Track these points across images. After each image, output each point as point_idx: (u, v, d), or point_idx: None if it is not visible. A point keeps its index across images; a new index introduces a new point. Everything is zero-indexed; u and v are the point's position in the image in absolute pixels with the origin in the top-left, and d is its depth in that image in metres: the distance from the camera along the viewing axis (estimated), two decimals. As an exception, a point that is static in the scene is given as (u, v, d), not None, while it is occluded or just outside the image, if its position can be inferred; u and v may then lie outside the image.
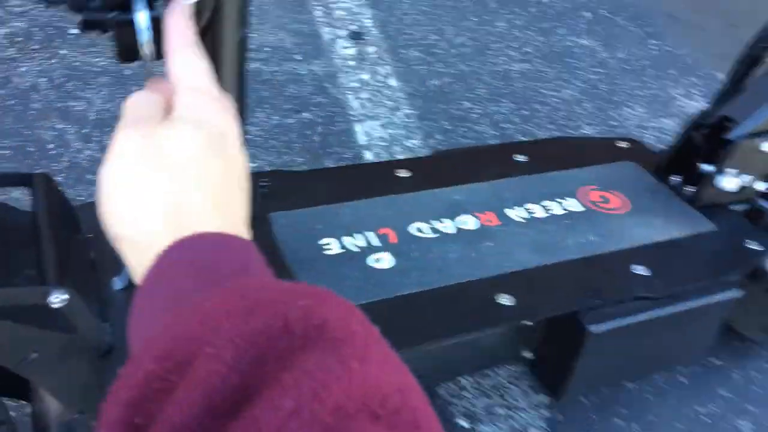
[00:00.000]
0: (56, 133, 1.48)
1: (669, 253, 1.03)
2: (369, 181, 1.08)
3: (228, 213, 0.39)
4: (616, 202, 1.12)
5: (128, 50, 0.55)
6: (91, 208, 0.89)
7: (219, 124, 0.41)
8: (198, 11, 0.56)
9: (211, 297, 0.29)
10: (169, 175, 0.37)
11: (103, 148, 1.45)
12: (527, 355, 0.98)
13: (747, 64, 1.19)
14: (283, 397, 0.25)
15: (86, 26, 0.55)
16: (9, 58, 1.62)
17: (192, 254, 0.34)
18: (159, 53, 0.57)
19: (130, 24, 0.54)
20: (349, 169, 1.15)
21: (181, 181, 0.37)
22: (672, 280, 0.98)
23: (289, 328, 0.27)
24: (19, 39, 1.67)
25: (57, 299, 0.62)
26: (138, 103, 0.43)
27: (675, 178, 1.20)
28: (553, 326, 0.93)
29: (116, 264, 0.81)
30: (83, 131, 1.50)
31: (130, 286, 0.78)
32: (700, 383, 1.30)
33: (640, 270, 0.98)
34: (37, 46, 1.68)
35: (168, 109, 0.42)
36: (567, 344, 0.91)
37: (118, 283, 0.78)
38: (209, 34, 0.64)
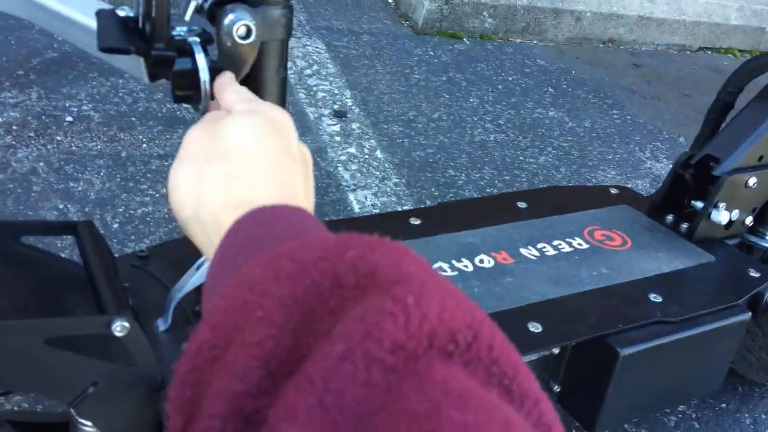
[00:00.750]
0: (58, 213, 1.49)
1: (678, 282, 1.08)
2: (383, 230, 1.11)
3: (285, 183, 0.40)
4: (618, 240, 1.18)
5: (185, 91, 0.59)
6: (124, 260, 0.90)
7: (273, 114, 0.44)
8: (247, 53, 0.61)
9: (261, 263, 0.29)
10: (226, 157, 0.40)
11: (105, 225, 1.47)
12: (555, 387, 1.00)
13: (720, 110, 1.29)
14: (333, 343, 0.23)
15: (156, 63, 0.60)
16: (6, 146, 1.64)
17: (250, 228, 0.35)
18: (211, 94, 0.61)
19: (188, 67, 0.58)
20: (362, 220, 1.19)
21: (238, 160, 0.40)
22: (685, 306, 1.02)
23: (340, 282, 0.26)
24: (15, 128, 1.70)
25: (119, 328, 0.63)
26: (208, 116, 0.48)
27: (669, 217, 1.26)
28: (580, 354, 0.95)
29: (155, 309, 0.82)
30: (86, 210, 1.52)
31: (172, 328, 0.79)
32: (710, 427, 1.32)
33: (655, 297, 1.02)
34: (32, 134, 1.71)
35: None
36: (597, 369, 0.93)
37: (161, 325, 0.79)
38: (255, 75, 0.69)
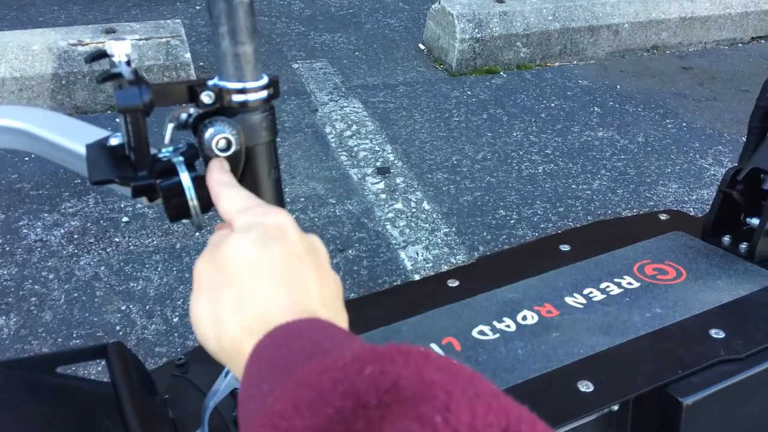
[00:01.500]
0: (121, 315, 1.55)
1: (741, 312, 1.00)
2: (422, 296, 1.09)
3: (295, 288, 0.39)
4: (672, 272, 1.11)
5: (177, 210, 0.61)
6: (164, 370, 0.92)
7: (272, 220, 0.44)
8: (234, 161, 0.61)
9: (281, 396, 0.28)
10: (233, 281, 0.40)
11: (166, 321, 1.51)
12: (622, 444, 0.93)
13: (762, 117, 1.22)
14: None
15: (136, 194, 0.61)
16: (69, 255, 1.73)
17: (271, 351, 0.35)
18: (204, 207, 0.62)
19: (176, 187, 0.60)
20: (400, 289, 1.17)
21: (243, 281, 0.40)
22: (752, 338, 0.94)
23: (362, 402, 0.26)
24: (77, 236, 1.79)
25: (146, 459, 0.63)
26: (212, 239, 0.48)
27: (725, 238, 1.18)
28: (644, 407, 0.89)
29: (195, 419, 0.82)
30: (146, 308, 1.57)
31: (211, 438, 0.79)
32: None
33: (716, 333, 0.95)
34: (93, 240, 1.80)
35: None
36: (663, 423, 0.87)
37: (199, 437, 0.79)
38: (247, 180, 0.69)
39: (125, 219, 1.89)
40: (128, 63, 0.58)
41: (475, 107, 2.66)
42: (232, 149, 0.61)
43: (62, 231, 1.83)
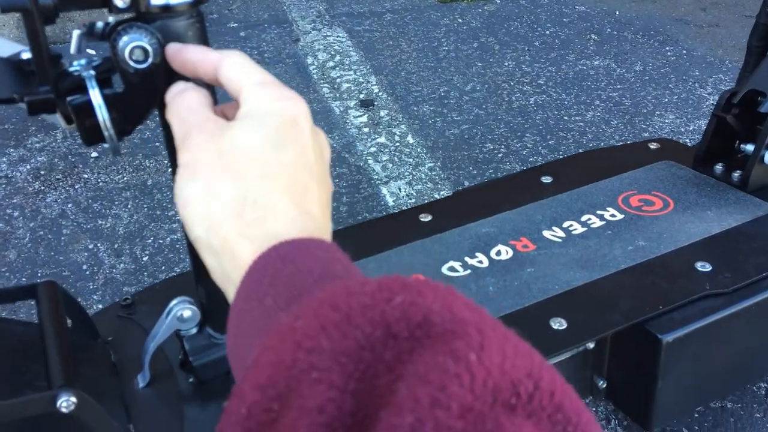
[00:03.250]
0: (89, 253, 1.49)
1: (730, 244, 0.94)
2: (392, 231, 1.02)
3: (302, 202, 0.37)
4: (659, 203, 1.04)
5: (92, 131, 0.53)
6: (109, 312, 0.86)
7: (287, 112, 0.39)
8: (153, 78, 0.53)
9: (302, 312, 0.27)
10: (237, 175, 0.37)
11: (135, 260, 1.45)
12: (600, 383, 0.89)
13: (762, 35, 1.12)
14: (400, 414, 0.22)
15: (33, 110, 0.54)
16: (35, 192, 1.66)
17: (276, 265, 0.33)
18: (121, 130, 0.55)
19: (88, 106, 0.52)
20: (369, 225, 1.10)
21: (250, 180, 0.36)
22: (740, 271, 0.88)
23: (392, 332, 0.25)
24: (43, 172, 1.71)
25: (65, 403, 0.58)
26: (184, 108, 0.42)
27: (718, 167, 1.11)
28: (622, 343, 0.84)
29: (138, 363, 0.77)
30: (115, 246, 1.51)
31: (152, 382, 0.74)
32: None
33: (702, 266, 0.89)
34: (60, 176, 1.72)
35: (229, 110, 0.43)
36: (642, 360, 0.81)
37: (140, 381, 0.74)
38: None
39: (94, 154, 1.81)
40: None
41: (465, 35, 2.54)
42: (149, 60, 0.53)
43: (28, 167, 1.75)
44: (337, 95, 2.16)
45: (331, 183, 0.42)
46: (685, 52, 2.46)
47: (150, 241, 1.53)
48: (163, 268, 1.46)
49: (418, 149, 1.91)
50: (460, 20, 2.65)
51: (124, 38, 0.51)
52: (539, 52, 2.45)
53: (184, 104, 0.43)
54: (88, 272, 1.44)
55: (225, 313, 0.36)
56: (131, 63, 0.52)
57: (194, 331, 0.74)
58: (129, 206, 1.63)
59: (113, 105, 0.54)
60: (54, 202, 1.63)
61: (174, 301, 0.73)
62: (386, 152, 1.90)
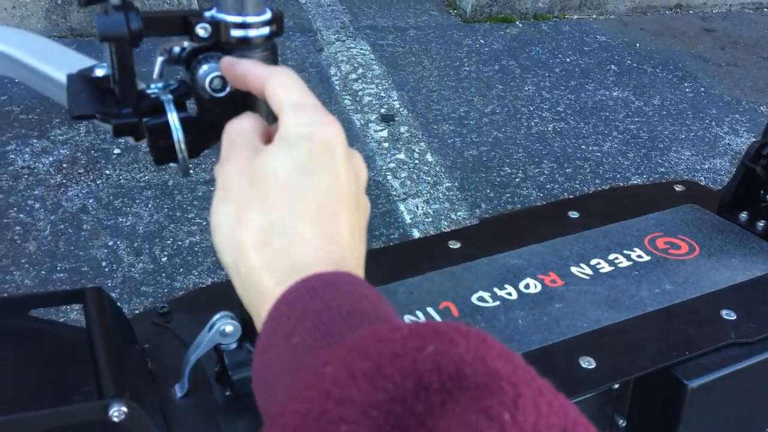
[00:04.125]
0: (108, 250, 1.50)
1: (754, 294, 0.95)
2: (421, 256, 1.04)
3: (330, 228, 0.37)
4: (685, 247, 1.06)
5: (164, 152, 0.55)
6: (145, 318, 0.87)
7: (319, 136, 0.39)
8: (229, 104, 0.55)
9: (330, 359, 0.27)
10: (266, 203, 0.37)
11: (154, 260, 1.46)
12: (620, 422, 0.90)
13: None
14: None
15: (118, 132, 0.55)
16: (57, 185, 1.67)
17: (303, 301, 0.33)
18: (192, 152, 0.56)
19: (163, 128, 0.54)
20: (398, 248, 1.12)
21: (278, 208, 0.36)
22: (764, 322, 0.89)
23: (423, 383, 0.24)
24: (66, 165, 1.73)
25: (117, 413, 0.59)
26: (234, 132, 0.43)
27: (742, 215, 1.13)
28: (646, 385, 0.85)
29: (175, 372, 0.78)
30: (134, 245, 1.52)
31: (190, 393, 0.75)
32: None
33: (727, 314, 0.91)
34: (82, 170, 1.73)
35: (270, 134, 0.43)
36: (665, 404, 0.83)
37: (178, 391, 0.75)
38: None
39: (117, 151, 1.82)
40: None
41: (487, 57, 2.56)
42: (228, 90, 0.55)
43: (51, 159, 1.76)
44: (359, 108, 2.17)
45: (367, 204, 0.41)
46: (703, 89, 2.49)
47: (169, 242, 1.54)
48: (181, 270, 1.48)
49: (437, 168, 1.93)
50: (482, 41, 2.68)
51: (204, 67, 0.53)
52: (559, 78, 2.47)
53: (235, 127, 0.44)
54: (107, 269, 1.45)
55: None
56: (209, 91, 0.54)
57: (234, 345, 0.75)
58: (149, 205, 1.64)
59: (186, 128, 0.55)
60: (75, 196, 1.64)
61: (217, 315, 0.74)
62: (405, 169, 1.92)
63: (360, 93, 2.25)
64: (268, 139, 0.44)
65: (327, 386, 0.25)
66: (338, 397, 0.25)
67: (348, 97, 2.23)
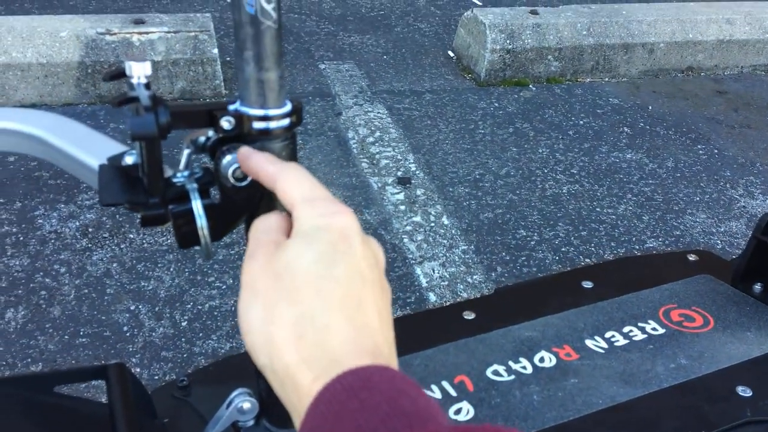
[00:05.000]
0: (130, 315, 1.53)
1: (770, 368, 0.95)
2: (436, 327, 1.05)
3: (358, 315, 0.37)
4: (699, 320, 1.06)
5: (187, 237, 0.58)
6: (165, 392, 0.89)
7: (335, 226, 0.40)
8: (251, 192, 0.58)
9: None
10: (292, 296, 0.37)
11: (174, 324, 1.49)
12: (636, 501, 0.89)
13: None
14: None
15: (146, 222, 0.58)
16: (82, 249, 1.72)
17: (340, 400, 0.32)
18: (214, 236, 0.59)
19: (187, 214, 0.57)
20: (413, 318, 1.13)
21: (305, 300, 0.37)
22: (781, 399, 0.89)
23: None
24: (91, 230, 1.77)
25: (137, 497, 0.60)
26: (259, 230, 0.44)
27: (756, 287, 1.13)
28: (660, 466, 0.85)
29: (194, 447, 0.79)
30: (156, 309, 1.55)
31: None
32: None
33: (743, 391, 0.91)
34: (107, 235, 1.78)
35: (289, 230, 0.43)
36: (680, 485, 0.82)
37: (197, 468, 0.76)
38: (263, 212, 0.66)
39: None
40: (147, 86, 0.55)
41: (501, 120, 2.62)
42: (249, 179, 0.58)
43: (77, 223, 1.81)
44: (376, 171, 2.22)
45: (388, 288, 0.42)
46: (716, 151, 2.51)
47: (189, 306, 1.57)
48: (201, 334, 1.50)
49: (453, 231, 1.96)
50: (496, 104, 2.74)
51: (228, 158, 0.56)
52: (573, 141, 2.51)
53: (261, 225, 0.45)
54: (128, 334, 1.47)
55: (282, 407, 0.38)
56: (232, 180, 0.57)
57: (251, 423, 0.76)
58: (171, 269, 1.68)
59: (210, 214, 0.58)
60: (100, 260, 1.68)
61: (235, 392, 0.76)
62: (421, 232, 1.94)
63: (377, 156, 2.30)
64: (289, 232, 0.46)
65: None
66: None
67: (365, 160, 2.28)
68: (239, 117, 0.56)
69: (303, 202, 0.42)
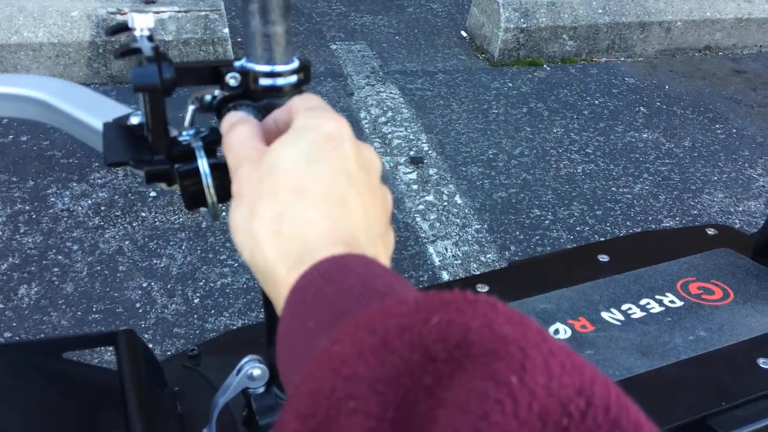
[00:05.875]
0: (142, 291, 1.52)
1: (792, 341, 0.93)
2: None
3: (338, 211, 0.37)
4: (719, 292, 1.04)
5: (194, 197, 0.57)
6: (175, 361, 0.88)
7: (323, 127, 0.40)
8: None
9: (339, 337, 0.26)
10: (275, 194, 0.37)
11: (186, 301, 1.48)
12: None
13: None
14: None
15: (150, 179, 0.57)
16: (95, 227, 1.72)
17: (317, 285, 0.33)
18: (222, 196, 0.58)
19: (193, 173, 0.56)
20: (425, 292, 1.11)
21: (285, 196, 0.37)
22: (804, 371, 0.87)
23: (430, 355, 0.24)
24: (104, 208, 1.77)
25: (146, 460, 0.59)
26: (236, 142, 0.44)
27: (778, 259, 1.10)
28: (678, 438, 0.83)
29: (204, 415, 0.79)
30: (168, 286, 1.54)
31: (219, 438, 0.75)
32: None
33: (764, 363, 0.88)
34: (119, 213, 1.78)
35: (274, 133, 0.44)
36: (698, 457, 0.80)
37: (207, 436, 0.75)
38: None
39: (153, 194, 1.86)
40: (150, 38, 0.53)
41: (515, 100, 2.58)
42: None
43: (90, 202, 1.81)
44: (388, 150, 2.20)
45: (386, 192, 0.42)
46: (734, 131, 2.47)
47: (201, 283, 1.56)
48: (213, 311, 1.49)
49: (466, 210, 1.94)
50: (510, 84, 2.70)
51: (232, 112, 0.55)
52: (588, 121, 2.48)
53: (235, 138, 0.45)
54: (141, 311, 1.47)
55: None
56: (240, 138, 0.56)
57: (262, 389, 0.75)
58: (183, 247, 1.67)
59: (216, 173, 0.57)
60: (112, 238, 1.68)
61: (245, 359, 0.75)
62: (434, 211, 1.92)
63: (389, 136, 2.28)
64: (267, 141, 0.45)
65: (335, 364, 0.25)
66: (346, 374, 0.25)
67: (378, 139, 2.26)
68: (245, 73, 0.55)
69: (302, 111, 0.42)
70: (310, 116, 0.41)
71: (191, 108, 0.62)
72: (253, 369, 0.77)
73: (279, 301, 0.35)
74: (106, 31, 0.57)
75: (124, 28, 0.54)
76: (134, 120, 0.65)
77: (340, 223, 0.36)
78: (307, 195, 0.37)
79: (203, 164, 0.57)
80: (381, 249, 0.38)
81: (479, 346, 0.23)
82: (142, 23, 0.52)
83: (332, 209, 0.37)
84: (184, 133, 0.61)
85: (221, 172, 0.58)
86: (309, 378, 0.26)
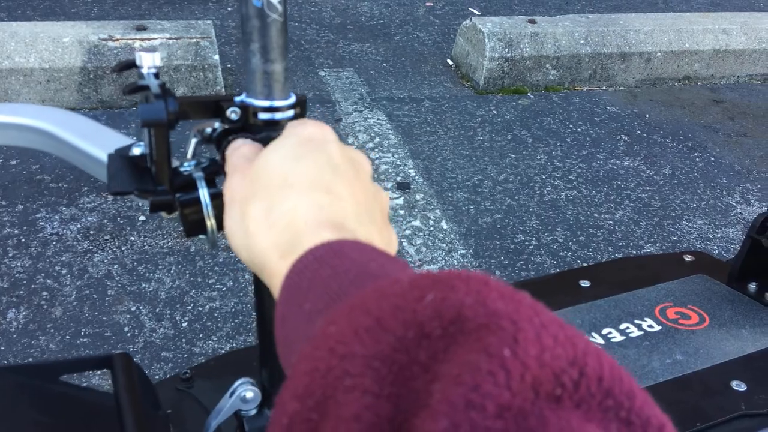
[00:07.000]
0: (131, 315, 1.54)
1: (764, 364, 0.97)
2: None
3: (326, 200, 0.38)
4: (695, 317, 1.08)
5: (194, 225, 0.60)
6: (168, 384, 0.90)
7: (306, 131, 0.42)
8: None
9: (335, 318, 0.27)
10: (264, 193, 0.39)
11: (175, 325, 1.50)
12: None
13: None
14: (434, 417, 0.22)
15: (154, 209, 0.60)
16: (83, 251, 1.73)
17: (312, 269, 0.33)
18: (220, 225, 0.61)
19: (194, 202, 0.58)
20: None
21: (273, 193, 0.39)
22: (775, 393, 0.90)
23: (425, 332, 0.25)
24: (92, 232, 1.79)
25: (143, 480, 0.61)
26: (233, 156, 0.47)
27: (751, 286, 1.15)
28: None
29: (196, 437, 0.80)
30: (156, 310, 1.56)
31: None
32: None
33: (737, 385, 0.92)
34: (108, 237, 1.79)
35: None
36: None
37: (200, 457, 0.77)
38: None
39: (142, 218, 1.88)
40: (156, 75, 0.57)
41: (500, 127, 2.64)
42: None
43: (79, 226, 1.83)
44: (375, 176, 2.24)
45: (379, 190, 0.43)
46: (713, 159, 2.53)
47: (190, 307, 1.58)
48: (201, 335, 1.51)
49: (452, 235, 1.97)
50: (495, 112, 2.76)
51: None
52: (570, 148, 2.53)
53: (235, 155, 0.48)
54: (129, 335, 1.48)
55: None
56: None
57: (254, 412, 0.77)
58: (172, 271, 1.69)
59: (215, 203, 0.60)
60: (101, 262, 1.69)
61: (238, 382, 0.77)
62: (420, 236, 1.96)
63: (376, 161, 2.32)
64: None
65: (331, 344, 0.26)
66: (342, 353, 0.25)
67: (365, 166, 2.30)
68: (245, 108, 0.58)
69: (289, 126, 0.45)
70: (295, 124, 0.45)
71: (193, 141, 0.65)
72: (245, 391, 0.79)
73: (276, 290, 0.36)
74: (113, 68, 0.60)
75: (131, 65, 0.57)
76: (137, 151, 0.68)
77: (327, 208, 0.37)
78: (294, 187, 0.38)
79: (204, 194, 0.60)
80: (376, 236, 0.39)
81: (473, 321, 0.24)
82: (149, 62, 0.55)
83: (319, 197, 0.38)
84: (186, 164, 0.64)
85: (220, 201, 0.61)
86: (306, 358, 0.26)
